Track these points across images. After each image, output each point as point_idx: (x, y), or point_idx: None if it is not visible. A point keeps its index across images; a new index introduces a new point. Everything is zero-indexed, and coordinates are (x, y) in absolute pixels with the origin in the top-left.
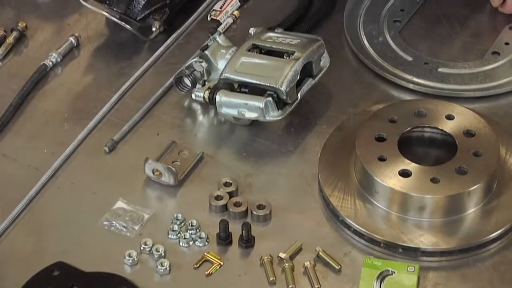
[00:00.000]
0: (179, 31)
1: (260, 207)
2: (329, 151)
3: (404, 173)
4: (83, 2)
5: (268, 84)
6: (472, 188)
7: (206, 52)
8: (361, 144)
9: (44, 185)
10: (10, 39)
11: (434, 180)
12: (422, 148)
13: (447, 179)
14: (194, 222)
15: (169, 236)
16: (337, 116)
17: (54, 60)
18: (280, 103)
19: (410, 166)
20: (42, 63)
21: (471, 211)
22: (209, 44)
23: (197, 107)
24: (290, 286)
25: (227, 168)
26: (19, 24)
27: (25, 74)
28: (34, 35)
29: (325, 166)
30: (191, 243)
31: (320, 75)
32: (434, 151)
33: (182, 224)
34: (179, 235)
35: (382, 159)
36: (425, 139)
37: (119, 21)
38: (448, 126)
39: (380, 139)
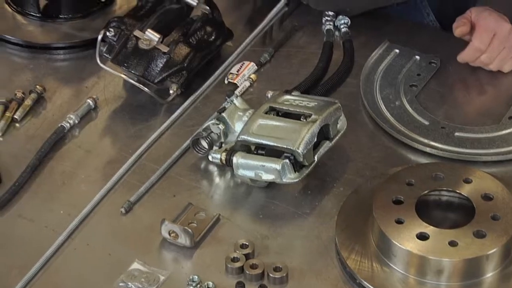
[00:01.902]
0: (196, 93)
1: (277, 269)
2: (346, 213)
3: (422, 236)
4: (101, 65)
5: (285, 146)
6: (490, 252)
7: (223, 114)
8: (379, 206)
9: (60, 246)
10: (29, 101)
11: (452, 243)
12: (439, 211)
13: (465, 243)
14: (211, 284)
15: None
16: (354, 179)
17: (71, 122)
18: (297, 165)
19: (428, 229)
20: (59, 125)
21: (489, 275)
22: (226, 106)
23: (213, 169)
24: None
25: (243, 230)
26: (38, 86)
27: (43, 136)
28: (52, 97)
29: (342, 228)
30: None
31: (337, 138)
32: (451, 215)
33: (198, 286)
34: None
35: (399, 222)
36: (443, 203)
37: (137, 84)
38: (466, 190)
39: (398, 202)
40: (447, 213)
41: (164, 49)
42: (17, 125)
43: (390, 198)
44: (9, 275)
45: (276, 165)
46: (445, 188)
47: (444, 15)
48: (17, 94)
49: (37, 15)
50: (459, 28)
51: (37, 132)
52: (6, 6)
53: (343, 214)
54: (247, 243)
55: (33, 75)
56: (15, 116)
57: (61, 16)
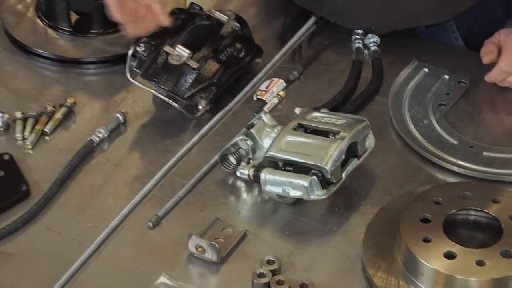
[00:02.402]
0: (225, 109)
1: (303, 286)
2: (373, 231)
3: (449, 255)
4: (131, 80)
5: (313, 163)
6: None
7: (252, 130)
8: (406, 225)
9: (88, 259)
10: (59, 115)
11: (479, 263)
12: (467, 231)
13: (492, 262)
14: None
15: None
16: (381, 197)
17: (101, 135)
18: (324, 183)
19: (455, 248)
20: (89, 139)
21: None
22: (254, 122)
23: (241, 184)
24: None
25: (270, 246)
26: (68, 100)
27: (72, 149)
28: (82, 111)
29: (369, 246)
30: None
31: (365, 155)
32: (479, 234)
33: None
34: None
35: (427, 240)
36: (470, 222)
37: (166, 99)
38: (494, 209)
39: (425, 221)
40: (475, 232)
41: (194, 65)
42: (47, 138)
43: (418, 217)
44: (37, 287)
45: (303, 181)
46: (473, 208)
47: (473, 39)
48: (48, 108)
49: (69, 29)
50: (486, 57)
51: (66, 146)
52: (38, 20)
53: (370, 231)
54: (273, 259)
55: (64, 89)
56: (45, 129)
57: (92, 31)
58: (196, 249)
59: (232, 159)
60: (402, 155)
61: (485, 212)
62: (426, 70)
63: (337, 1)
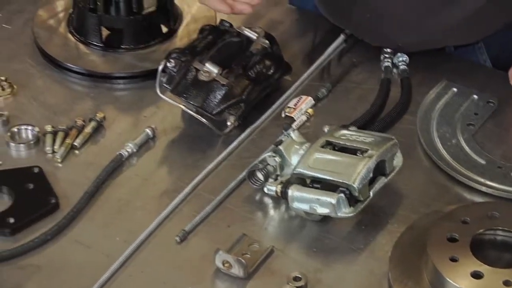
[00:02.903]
0: (253, 126)
1: None
2: (400, 250)
3: (476, 275)
4: (160, 95)
5: (340, 181)
6: None
7: (280, 147)
8: (433, 244)
9: (115, 272)
10: (88, 129)
11: (507, 283)
12: (494, 251)
13: None
14: None
15: None
16: (408, 215)
17: (130, 150)
18: (352, 200)
19: (482, 268)
20: (118, 153)
21: None
22: (283, 139)
23: (268, 201)
24: None
25: (296, 262)
26: (98, 114)
27: (101, 163)
28: (111, 125)
29: (396, 265)
30: None
31: (393, 174)
32: (506, 254)
33: None
34: None
35: (454, 259)
36: (498, 242)
37: (195, 115)
38: None
39: (452, 240)
40: (502, 252)
41: (223, 81)
42: (77, 152)
43: (445, 236)
44: None
45: (331, 199)
46: (500, 228)
47: (502, 62)
48: (78, 122)
49: (100, 45)
50: None
51: (95, 160)
52: (70, 35)
53: (397, 250)
54: (300, 276)
55: (94, 104)
56: (75, 143)
57: (122, 46)
58: (223, 264)
59: (260, 176)
60: (430, 174)
61: None
62: (455, 89)
63: (365, 15)
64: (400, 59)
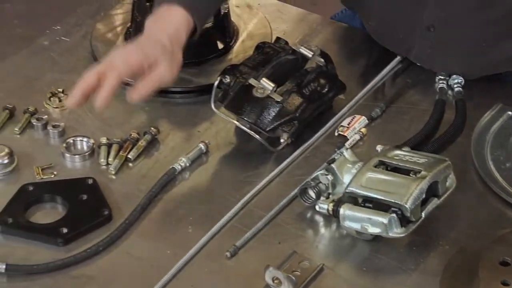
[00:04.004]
0: (306, 144)
1: None
2: (451, 272)
3: None
4: (215, 110)
5: (393, 201)
6: None
7: (333, 165)
8: (485, 267)
9: (165, 285)
10: (143, 142)
11: None
12: None
13: None
14: None
15: None
16: (460, 238)
17: (183, 164)
18: (403, 221)
19: None
20: (171, 167)
21: None
22: (335, 158)
23: (319, 219)
24: None
25: (346, 281)
26: (152, 128)
27: (154, 176)
28: (165, 139)
29: (446, 287)
30: None
31: (446, 195)
32: None
33: None
34: None
35: (505, 283)
36: None
37: (248, 131)
38: None
39: (504, 264)
40: None
41: (278, 98)
42: (130, 164)
43: (497, 260)
44: None
45: (383, 219)
46: None
47: None
48: (132, 135)
49: None
50: None
51: (149, 173)
52: None
53: (447, 272)
54: None
55: (148, 117)
56: (129, 156)
57: None
58: (273, 280)
59: (312, 193)
60: (483, 197)
61: None
62: (510, 113)
63: (427, 49)
64: (456, 81)
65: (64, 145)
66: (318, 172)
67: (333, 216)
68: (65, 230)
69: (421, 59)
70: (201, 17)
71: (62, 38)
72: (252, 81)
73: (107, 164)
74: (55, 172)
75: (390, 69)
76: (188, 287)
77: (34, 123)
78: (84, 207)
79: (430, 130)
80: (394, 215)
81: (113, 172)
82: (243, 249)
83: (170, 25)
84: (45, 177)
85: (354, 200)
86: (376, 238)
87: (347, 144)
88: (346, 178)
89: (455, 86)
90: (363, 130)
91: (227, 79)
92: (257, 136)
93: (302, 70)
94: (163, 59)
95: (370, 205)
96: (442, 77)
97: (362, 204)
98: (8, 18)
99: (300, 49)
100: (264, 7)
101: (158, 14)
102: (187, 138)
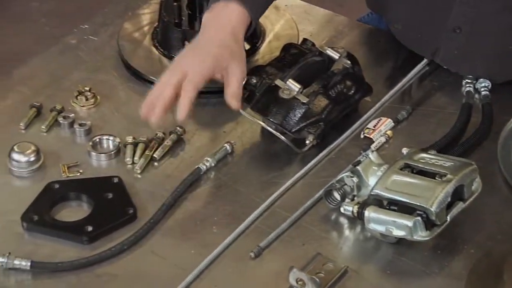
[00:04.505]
0: (331, 146)
1: None
2: (476, 276)
3: None
4: (241, 111)
5: (418, 204)
6: None
7: (358, 167)
8: (510, 271)
9: (189, 285)
10: (168, 142)
11: None
12: None
13: None
14: None
15: None
16: (485, 242)
17: (208, 164)
18: (428, 224)
19: None
20: (196, 167)
21: None
22: (361, 160)
23: (344, 221)
24: None
25: (370, 284)
26: (178, 128)
27: (179, 176)
28: (191, 139)
29: None
30: None
31: (471, 199)
32: None
33: None
34: None
35: None
36: None
37: (274, 132)
38: None
39: None
40: None
41: (304, 99)
42: (156, 164)
43: None
44: None
45: (408, 221)
46: None
47: None
48: (158, 134)
49: None
50: None
51: (174, 172)
52: (154, 49)
53: (472, 276)
54: None
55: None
56: (155, 155)
57: None
58: (297, 282)
59: (337, 195)
60: (509, 201)
61: None
62: None
63: (453, 51)
64: (482, 84)
65: (90, 143)
66: (344, 174)
67: (357, 218)
68: (90, 228)
69: (448, 62)
70: (258, 12)
71: (90, 37)
72: (278, 82)
73: (133, 163)
74: (81, 171)
75: (417, 72)
76: (212, 287)
77: (60, 121)
78: (109, 205)
79: (457, 134)
80: (419, 218)
81: (138, 171)
82: (267, 250)
83: (229, 23)
84: (71, 175)
85: (379, 202)
86: (400, 241)
87: (372, 146)
88: (372, 181)
89: (482, 89)
90: (389, 132)
91: (254, 80)
92: (282, 137)
93: (329, 72)
94: (232, 62)
95: (395, 208)
96: (469, 81)
97: (387, 207)
98: (36, 17)
99: (327, 51)
100: (291, 8)
101: (215, 10)
102: (212, 138)
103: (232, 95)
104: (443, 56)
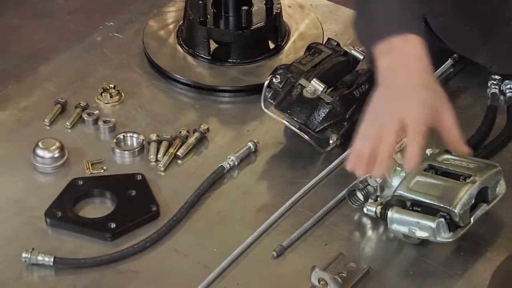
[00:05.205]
0: None
1: None
2: (499, 278)
3: None
4: (265, 110)
5: (441, 205)
6: None
7: None
8: None
9: (211, 283)
10: (192, 140)
11: None
12: None
13: None
14: None
15: None
16: (509, 244)
17: (231, 163)
18: (452, 225)
19: None
20: (220, 165)
21: None
22: None
23: (367, 221)
24: None
25: (392, 285)
26: (202, 126)
27: (203, 174)
28: (214, 137)
29: None
30: None
31: (495, 201)
32: None
33: None
34: None
35: None
36: None
37: (298, 131)
38: None
39: None
40: None
41: (328, 99)
42: (179, 161)
43: None
44: None
45: (431, 223)
46: None
47: None
48: (182, 132)
49: (207, 57)
50: None
51: (197, 170)
52: (178, 47)
53: (495, 279)
54: None
55: (198, 115)
56: (178, 153)
57: (229, 60)
58: (319, 282)
59: (360, 196)
60: None
61: None
62: None
63: (504, 45)
64: (508, 86)
65: (114, 140)
66: (367, 175)
67: (380, 219)
68: (113, 225)
69: (493, 58)
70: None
71: (115, 34)
72: (302, 81)
73: (156, 160)
74: (104, 167)
75: (442, 73)
76: (234, 286)
77: (85, 118)
78: (132, 202)
79: (481, 136)
80: (442, 219)
81: (162, 169)
82: (289, 249)
83: (420, 61)
84: (94, 172)
85: (402, 203)
86: (423, 242)
87: (396, 147)
88: (395, 182)
89: (508, 91)
90: None
91: (278, 79)
92: (306, 137)
93: (354, 72)
94: (442, 108)
95: (419, 209)
96: (495, 82)
97: (411, 208)
98: (61, 14)
99: (352, 51)
100: (316, 8)
101: (396, 50)
102: (236, 137)
103: (455, 142)
104: (490, 50)
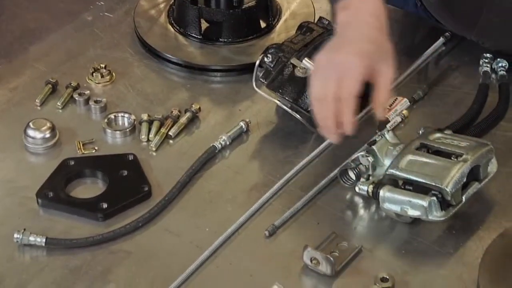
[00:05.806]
0: None
1: None
2: (490, 257)
3: None
4: (256, 89)
5: (433, 184)
6: None
7: (374, 147)
8: None
9: (203, 262)
10: (183, 119)
11: None
12: None
13: None
14: None
15: None
16: (500, 222)
17: (223, 142)
18: (444, 204)
19: None
20: (211, 145)
21: None
22: (376, 139)
23: (359, 200)
24: None
25: (384, 263)
26: (193, 105)
27: (194, 154)
28: (206, 117)
29: (486, 271)
30: None
31: (487, 180)
32: None
33: None
34: None
35: None
36: None
37: (289, 110)
38: None
39: None
40: None
41: None
42: (171, 141)
43: None
44: (152, 286)
45: (423, 201)
46: None
47: None
48: (173, 112)
49: (198, 37)
50: None
51: (189, 150)
52: (170, 26)
53: (487, 257)
54: (387, 277)
55: (190, 95)
56: (170, 133)
57: (220, 40)
58: (311, 261)
59: (352, 175)
60: None
61: None
62: None
63: (495, 19)
64: (500, 64)
65: (106, 120)
66: (359, 154)
67: (372, 198)
68: (105, 205)
69: (485, 34)
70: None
71: (106, 13)
72: (294, 60)
73: (148, 140)
74: (96, 148)
75: (433, 51)
76: (226, 265)
77: (76, 98)
78: (124, 183)
79: (473, 114)
80: (434, 198)
81: (153, 149)
82: (281, 229)
83: (374, 18)
84: (86, 152)
85: (394, 182)
86: (415, 221)
87: (388, 126)
88: (387, 160)
89: (499, 69)
90: (405, 112)
91: (269, 58)
92: (297, 116)
93: None
94: (382, 64)
95: (411, 188)
96: (486, 60)
97: (402, 187)
98: None
99: None
100: None
101: (354, 6)
102: (228, 117)
103: (380, 103)
104: (482, 26)
